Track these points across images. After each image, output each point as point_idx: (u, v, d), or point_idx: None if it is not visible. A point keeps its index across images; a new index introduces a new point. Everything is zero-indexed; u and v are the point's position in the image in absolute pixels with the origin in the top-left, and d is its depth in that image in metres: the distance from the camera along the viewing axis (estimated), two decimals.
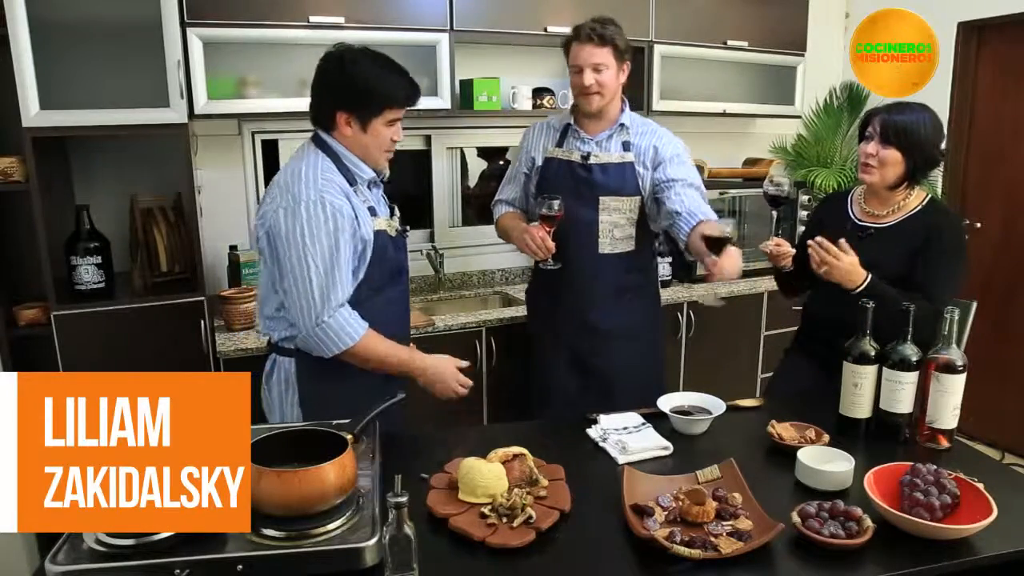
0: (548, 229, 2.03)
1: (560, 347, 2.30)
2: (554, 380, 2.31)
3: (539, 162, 2.24)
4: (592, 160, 2.17)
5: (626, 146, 2.18)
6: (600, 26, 2.06)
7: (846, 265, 1.82)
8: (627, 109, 2.21)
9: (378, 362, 1.70)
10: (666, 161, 2.15)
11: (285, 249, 1.61)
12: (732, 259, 1.87)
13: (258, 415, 1.78)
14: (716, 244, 1.87)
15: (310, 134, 1.75)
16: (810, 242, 1.86)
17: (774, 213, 2.04)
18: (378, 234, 1.71)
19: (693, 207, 2.03)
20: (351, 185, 1.68)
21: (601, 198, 2.15)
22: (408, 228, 1.88)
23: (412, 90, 1.68)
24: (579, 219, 2.14)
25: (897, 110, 1.90)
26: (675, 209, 2.04)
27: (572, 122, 2.22)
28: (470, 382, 1.82)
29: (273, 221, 1.63)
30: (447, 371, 1.78)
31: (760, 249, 2.02)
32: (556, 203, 2.00)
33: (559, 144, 2.23)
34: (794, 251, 1.97)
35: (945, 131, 1.93)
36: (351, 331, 1.64)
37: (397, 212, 1.86)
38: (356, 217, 1.65)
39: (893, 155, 1.87)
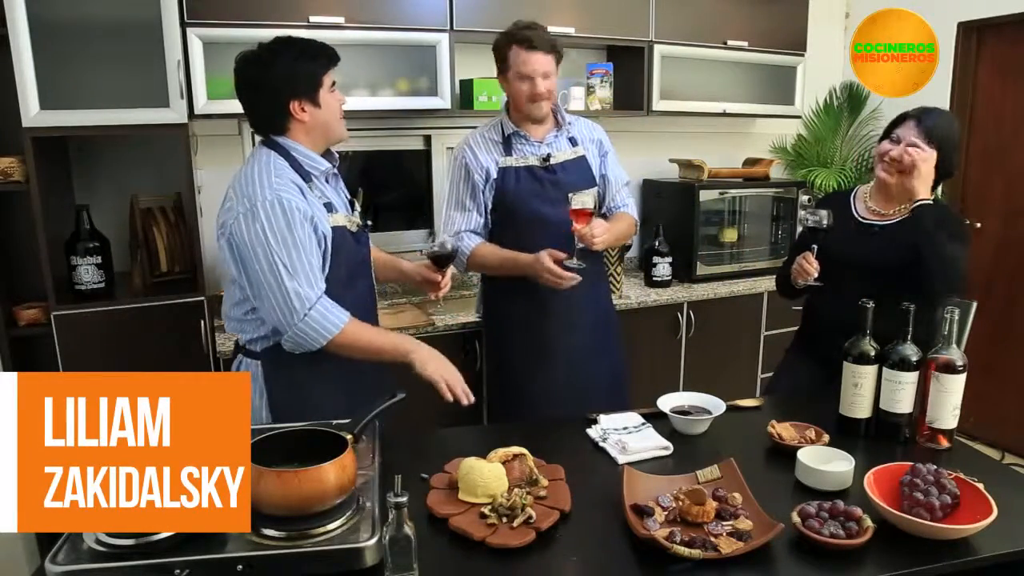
0: (579, 227, 2.00)
1: (541, 350, 2.28)
2: (537, 388, 2.28)
3: (494, 174, 2.21)
4: (553, 160, 2.21)
5: (572, 141, 2.27)
6: (545, 33, 2.12)
7: (928, 168, 1.87)
8: (559, 106, 2.28)
9: (367, 348, 1.67)
10: (608, 153, 2.33)
11: (251, 254, 1.60)
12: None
13: None
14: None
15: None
16: (897, 149, 1.90)
17: (813, 247, 1.94)
18: (336, 230, 1.70)
19: (627, 204, 2.34)
20: (306, 181, 1.68)
21: (571, 195, 2.16)
22: (370, 223, 1.86)
23: (331, 52, 1.72)
24: (552, 220, 2.14)
25: (932, 113, 1.92)
26: (617, 203, 2.33)
27: (516, 129, 2.21)
28: (470, 393, 1.68)
29: (234, 228, 1.61)
30: (441, 356, 1.70)
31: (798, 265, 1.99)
32: (590, 198, 1.98)
33: (507, 153, 2.22)
34: (815, 270, 1.94)
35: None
36: (334, 319, 1.62)
37: (358, 207, 1.85)
38: (313, 214, 1.65)
39: (933, 155, 1.88)
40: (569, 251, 2.04)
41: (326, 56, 1.70)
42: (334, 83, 1.72)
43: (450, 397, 1.65)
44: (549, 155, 2.21)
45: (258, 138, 2.84)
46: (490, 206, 2.23)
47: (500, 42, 2.16)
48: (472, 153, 2.23)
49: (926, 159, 1.87)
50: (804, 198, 3.60)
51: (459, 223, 2.24)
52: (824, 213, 1.91)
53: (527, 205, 2.19)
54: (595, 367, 2.31)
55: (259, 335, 1.72)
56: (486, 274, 2.35)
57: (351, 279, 1.76)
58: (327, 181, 1.77)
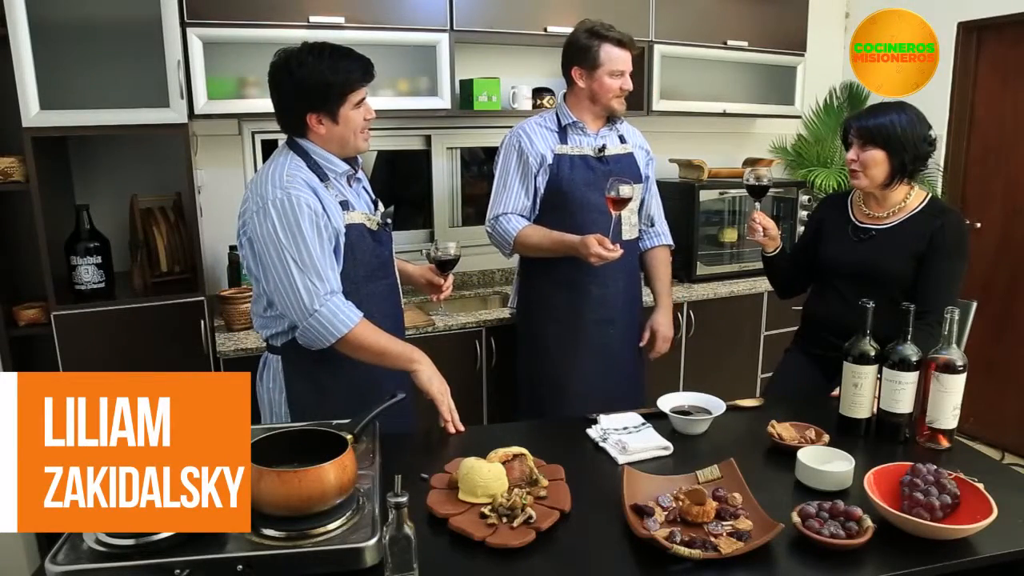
0: (618, 213, 2.05)
1: (580, 343, 2.31)
2: (574, 378, 2.31)
3: (549, 160, 2.24)
4: (607, 152, 2.28)
5: (621, 139, 2.35)
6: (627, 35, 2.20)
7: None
8: None
9: (376, 351, 1.67)
10: (653, 161, 2.44)
11: (263, 249, 1.62)
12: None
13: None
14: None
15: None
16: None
17: (756, 204, 2.14)
18: (351, 227, 1.71)
19: (661, 227, 2.49)
20: (323, 180, 1.68)
21: (614, 180, 2.18)
22: (390, 222, 1.87)
23: (365, 68, 1.68)
24: (601, 209, 2.14)
25: (869, 113, 1.93)
26: (651, 215, 2.46)
27: (575, 120, 2.26)
28: (460, 425, 1.73)
29: (250, 226, 1.65)
30: (442, 377, 1.73)
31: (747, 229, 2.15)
32: (630, 190, 2.00)
33: (563, 142, 2.26)
34: (776, 228, 2.12)
35: (930, 122, 1.94)
36: (344, 319, 1.62)
37: (381, 207, 1.86)
38: (325, 211, 1.65)
39: (874, 155, 1.89)
40: (611, 237, 2.06)
41: (359, 73, 1.67)
42: (362, 99, 1.69)
43: (448, 418, 1.70)
44: (604, 146, 2.28)
45: (260, 138, 2.91)
46: (541, 192, 2.26)
47: (586, 40, 2.17)
48: (528, 139, 2.26)
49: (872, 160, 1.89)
50: (804, 198, 3.61)
51: (507, 204, 2.26)
52: (764, 172, 2.05)
53: (579, 193, 2.23)
54: (624, 361, 2.37)
55: (279, 330, 1.73)
56: (528, 257, 2.34)
57: (369, 278, 1.77)
58: (349, 183, 1.77)
